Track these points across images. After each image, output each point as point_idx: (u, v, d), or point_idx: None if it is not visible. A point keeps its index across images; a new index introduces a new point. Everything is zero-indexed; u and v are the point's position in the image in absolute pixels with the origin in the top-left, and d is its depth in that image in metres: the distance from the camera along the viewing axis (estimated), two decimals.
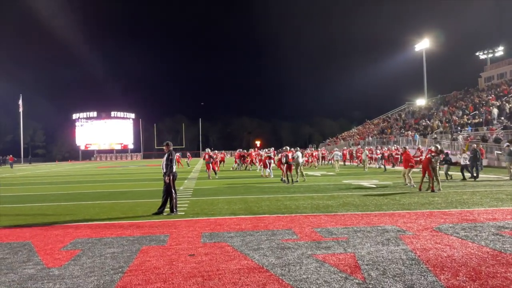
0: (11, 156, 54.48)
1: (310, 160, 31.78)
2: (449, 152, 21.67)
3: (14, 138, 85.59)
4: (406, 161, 14.59)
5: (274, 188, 14.53)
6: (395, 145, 32.18)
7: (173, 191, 9.22)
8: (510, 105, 33.54)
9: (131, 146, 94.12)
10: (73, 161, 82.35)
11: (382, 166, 26.89)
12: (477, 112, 36.51)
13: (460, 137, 30.71)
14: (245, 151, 34.63)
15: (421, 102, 56.48)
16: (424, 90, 57.87)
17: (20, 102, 71.58)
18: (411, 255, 5.34)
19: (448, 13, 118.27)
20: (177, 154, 38.38)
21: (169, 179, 9.16)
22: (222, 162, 30.10)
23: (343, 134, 66.88)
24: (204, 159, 21.45)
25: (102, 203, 11.45)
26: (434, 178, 12.68)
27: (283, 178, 17.13)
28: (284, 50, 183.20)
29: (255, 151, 32.82)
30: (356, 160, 33.51)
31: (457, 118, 37.49)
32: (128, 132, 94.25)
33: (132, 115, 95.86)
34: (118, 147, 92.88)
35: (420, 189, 12.94)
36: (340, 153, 29.32)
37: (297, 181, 16.79)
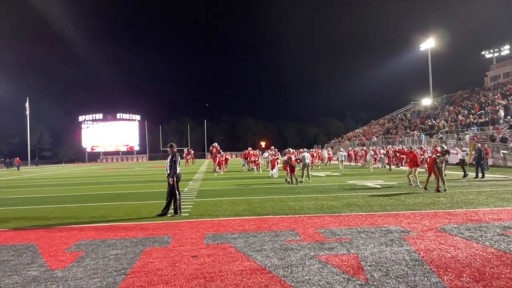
0: (18, 158, 54.96)
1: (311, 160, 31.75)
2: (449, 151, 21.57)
3: (21, 141, 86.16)
4: (411, 161, 14.51)
5: (279, 189, 14.51)
6: (400, 145, 32.04)
7: (177, 192, 9.23)
8: None
9: (136, 148, 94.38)
10: (80, 163, 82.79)
11: (387, 166, 26.84)
12: (483, 111, 36.25)
13: (467, 137, 30.50)
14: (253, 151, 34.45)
15: (426, 101, 56.17)
16: (429, 89, 57.62)
17: (27, 104, 72.14)
18: (415, 256, 5.31)
19: (453, 12, 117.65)
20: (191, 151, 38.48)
21: (173, 181, 9.18)
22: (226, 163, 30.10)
23: (348, 134, 66.68)
24: (211, 152, 21.64)
25: (107, 205, 11.50)
26: (440, 178, 12.60)
27: (288, 179, 17.13)
28: (289, 50, 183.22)
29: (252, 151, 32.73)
30: (361, 161, 33.39)
31: (463, 118, 37.25)
32: (133, 134, 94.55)
33: (138, 117, 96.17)
34: (124, 148, 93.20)
35: (425, 189, 12.87)
36: (345, 154, 29.27)
37: (301, 182, 16.78)
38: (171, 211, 9.20)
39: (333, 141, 68.07)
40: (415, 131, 40.94)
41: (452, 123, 37.24)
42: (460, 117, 37.88)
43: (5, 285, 4.66)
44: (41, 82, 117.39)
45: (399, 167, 27.61)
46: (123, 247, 6.20)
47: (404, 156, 25.56)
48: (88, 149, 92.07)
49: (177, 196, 9.24)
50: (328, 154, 34.66)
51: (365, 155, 30.43)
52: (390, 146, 31.44)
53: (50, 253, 5.98)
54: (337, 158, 29.34)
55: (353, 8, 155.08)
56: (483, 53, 57.88)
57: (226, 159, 29.99)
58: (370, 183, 16.03)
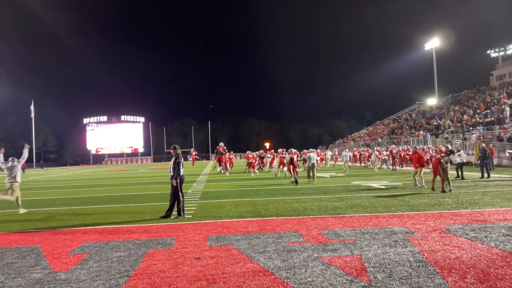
0: None
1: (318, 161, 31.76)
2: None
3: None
4: (416, 162, 14.42)
5: (283, 190, 14.49)
6: (405, 145, 31.92)
7: (180, 194, 9.23)
8: None
9: (141, 150, 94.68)
10: (84, 165, 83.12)
11: (391, 167, 26.81)
12: (488, 111, 36.02)
13: (473, 137, 30.31)
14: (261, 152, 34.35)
15: (431, 101, 55.88)
16: (434, 89, 57.34)
17: (32, 107, 72.51)
18: (419, 257, 5.27)
19: (458, 11, 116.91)
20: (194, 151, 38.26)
21: (177, 182, 9.19)
22: (231, 164, 30.12)
23: (353, 135, 66.49)
24: (217, 152, 21.87)
25: (111, 207, 11.53)
26: (445, 179, 12.52)
27: (292, 180, 17.14)
28: (292, 50, 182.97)
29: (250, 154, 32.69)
30: (365, 161, 33.26)
31: (468, 118, 37.03)
32: (138, 136, 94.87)
33: (142, 119, 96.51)
34: (129, 150, 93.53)
35: (433, 189, 12.79)
36: (349, 154, 29.21)
37: (309, 182, 16.98)
38: (174, 213, 9.21)
39: (337, 141, 67.91)
40: (420, 131, 40.74)
41: (458, 123, 37.02)
42: (465, 116, 37.67)
43: (9, 287, 4.68)
44: (45, 85, 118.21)
45: (402, 167, 27.49)
46: (126, 249, 6.20)
47: (408, 156, 25.50)
48: (93, 151, 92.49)
49: (181, 198, 9.24)
50: (335, 155, 34.60)
51: (369, 156, 30.37)
52: (394, 146, 31.30)
53: (54, 255, 6.00)
54: (342, 159, 29.27)
55: (357, 8, 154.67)
56: (488, 52, 57.57)
57: (231, 159, 29.99)
58: (374, 184, 15.97)
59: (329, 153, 37.58)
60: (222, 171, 19.78)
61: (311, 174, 17.58)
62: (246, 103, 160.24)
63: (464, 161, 17.71)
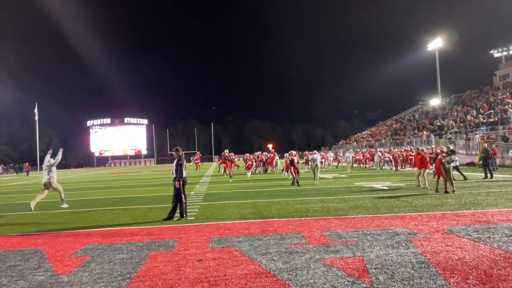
0: (27, 164, 55.53)
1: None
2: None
3: (31, 146, 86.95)
4: (419, 162, 14.38)
5: (285, 192, 14.48)
6: (408, 146, 31.83)
7: (183, 196, 9.25)
8: None
9: (144, 152, 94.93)
10: (88, 168, 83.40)
11: (393, 168, 26.80)
12: (492, 111, 35.87)
13: (477, 137, 30.18)
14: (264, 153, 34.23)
15: (435, 102, 55.72)
16: (437, 89, 57.18)
17: (36, 110, 72.81)
18: (421, 258, 5.26)
19: (461, 11, 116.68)
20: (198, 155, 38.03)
21: (179, 184, 9.21)
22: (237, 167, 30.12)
23: (356, 135, 66.39)
24: (223, 157, 22.45)
25: (114, 209, 11.56)
26: (447, 179, 12.48)
27: (293, 181, 17.15)
28: (295, 51, 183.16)
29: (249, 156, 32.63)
30: (370, 162, 33.15)
31: (472, 118, 36.89)
32: (141, 138, 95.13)
33: (145, 121, 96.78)
34: (132, 153, 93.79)
35: (436, 191, 12.74)
36: (352, 155, 29.16)
37: (316, 183, 17.03)
38: (177, 215, 9.22)
39: (340, 142, 67.81)
40: (424, 132, 40.61)
41: (461, 123, 36.88)
42: (469, 117, 37.51)
43: None
44: (49, 87, 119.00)
45: (405, 168, 27.41)
46: (128, 252, 6.22)
47: (412, 157, 25.43)
48: (97, 154, 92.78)
49: (183, 199, 9.26)
50: (339, 156, 34.54)
51: (371, 157, 30.31)
52: (397, 149, 31.22)
53: (57, 258, 6.02)
54: (345, 160, 29.24)
55: (360, 9, 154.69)
56: (491, 52, 57.37)
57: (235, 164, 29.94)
58: (377, 185, 15.93)
59: (330, 154, 37.52)
60: (225, 175, 20.36)
61: (316, 175, 17.67)
62: (249, 105, 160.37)
63: (458, 164, 17.62)
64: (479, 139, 29.27)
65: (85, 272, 5.23)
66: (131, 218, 9.64)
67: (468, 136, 31.77)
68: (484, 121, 34.54)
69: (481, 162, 17.59)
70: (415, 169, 15.16)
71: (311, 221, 8.28)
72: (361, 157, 33.40)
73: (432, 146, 28.05)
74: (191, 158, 45.56)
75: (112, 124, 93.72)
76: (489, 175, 17.05)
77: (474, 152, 28.51)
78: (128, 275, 5.02)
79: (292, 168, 17.02)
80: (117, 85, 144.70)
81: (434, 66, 57.62)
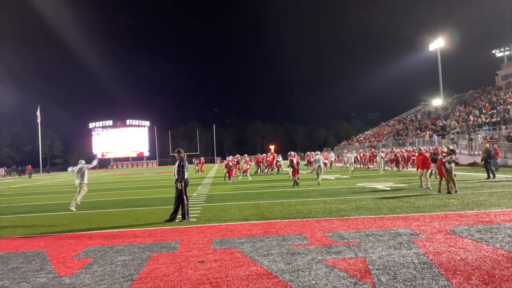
0: (30, 166, 55.72)
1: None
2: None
3: (33, 149, 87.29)
4: (422, 163, 14.34)
5: (287, 193, 14.47)
6: (410, 147, 31.78)
7: (184, 197, 9.25)
8: None
9: (146, 154, 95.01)
10: (90, 170, 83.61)
11: (395, 168, 26.78)
12: (494, 111, 35.76)
13: (479, 137, 30.10)
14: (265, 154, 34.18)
15: (437, 102, 55.58)
16: (440, 89, 57.05)
17: (38, 113, 73.11)
18: (423, 259, 5.24)
19: (462, 10, 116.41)
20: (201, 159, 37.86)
21: (181, 186, 9.21)
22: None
23: (358, 136, 66.30)
24: (226, 166, 22.99)
25: (116, 211, 11.57)
26: (449, 180, 12.44)
27: (294, 182, 17.16)
28: (296, 52, 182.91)
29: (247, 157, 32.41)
30: (372, 163, 33.10)
31: (474, 118, 36.79)
32: (143, 140, 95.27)
33: (147, 123, 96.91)
34: (134, 154, 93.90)
35: (439, 191, 12.70)
36: (354, 155, 29.14)
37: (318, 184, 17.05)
38: (179, 216, 9.22)
39: (342, 143, 67.73)
40: (427, 132, 40.52)
41: (464, 123, 36.79)
42: (471, 117, 37.41)
43: None
44: (51, 90, 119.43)
45: (407, 168, 27.35)
46: (130, 253, 6.22)
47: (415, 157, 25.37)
48: (99, 156, 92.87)
49: (185, 201, 9.26)
50: (344, 158, 34.52)
51: (372, 157, 30.26)
52: (398, 149, 31.18)
53: (59, 260, 6.03)
54: (347, 161, 29.20)
55: (360, 9, 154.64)
56: (493, 52, 57.24)
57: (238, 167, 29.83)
58: (379, 186, 15.90)
59: (332, 155, 37.47)
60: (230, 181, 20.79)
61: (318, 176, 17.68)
62: (251, 106, 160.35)
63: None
64: (482, 139, 29.19)
65: (87, 274, 5.23)
66: (133, 220, 9.65)
67: (471, 136, 31.68)
68: (487, 121, 34.43)
69: (483, 162, 17.52)
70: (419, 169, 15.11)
71: (313, 222, 8.26)
72: (362, 157, 33.42)
73: (435, 147, 27.98)
74: (193, 160, 45.42)
75: (114, 126, 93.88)
76: (491, 175, 17.00)
77: (476, 153, 28.42)
78: (130, 277, 5.02)
79: (292, 169, 17.09)
80: (119, 87, 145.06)
81: (436, 66, 57.53)
